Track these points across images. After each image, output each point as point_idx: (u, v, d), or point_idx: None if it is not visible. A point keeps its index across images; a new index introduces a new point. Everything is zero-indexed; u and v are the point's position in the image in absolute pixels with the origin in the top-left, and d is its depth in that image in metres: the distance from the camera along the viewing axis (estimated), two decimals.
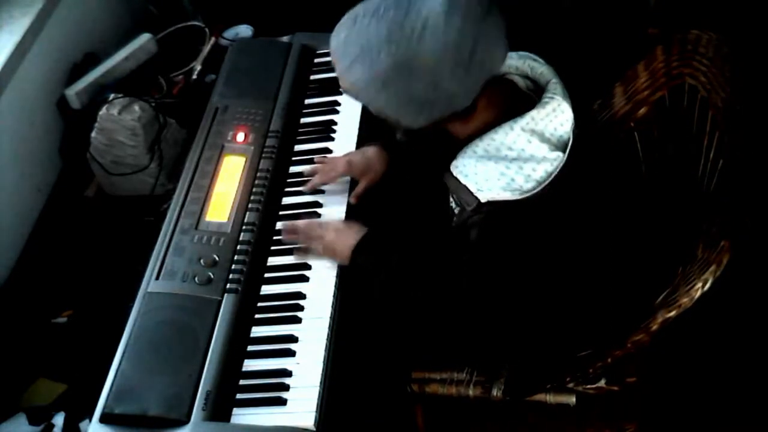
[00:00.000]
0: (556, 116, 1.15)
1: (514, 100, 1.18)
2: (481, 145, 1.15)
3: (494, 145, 1.14)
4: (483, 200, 1.14)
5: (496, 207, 1.13)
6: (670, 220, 1.34)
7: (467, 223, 1.16)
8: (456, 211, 1.24)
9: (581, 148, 1.15)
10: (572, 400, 1.35)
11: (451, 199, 1.25)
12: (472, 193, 1.15)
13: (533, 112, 1.14)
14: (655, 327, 1.09)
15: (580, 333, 1.28)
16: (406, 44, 1.04)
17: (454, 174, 1.18)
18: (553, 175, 1.11)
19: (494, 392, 1.34)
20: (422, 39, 1.03)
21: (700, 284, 1.04)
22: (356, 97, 1.18)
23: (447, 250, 1.23)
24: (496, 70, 1.11)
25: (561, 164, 1.12)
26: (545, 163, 1.12)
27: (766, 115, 1.11)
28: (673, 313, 1.07)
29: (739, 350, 1.82)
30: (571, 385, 1.34)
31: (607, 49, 2.11)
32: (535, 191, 1.11)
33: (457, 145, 1.21)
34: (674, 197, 1.34)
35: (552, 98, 1.16)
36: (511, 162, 1.13)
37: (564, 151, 1.13)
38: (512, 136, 1.14)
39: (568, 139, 1.15)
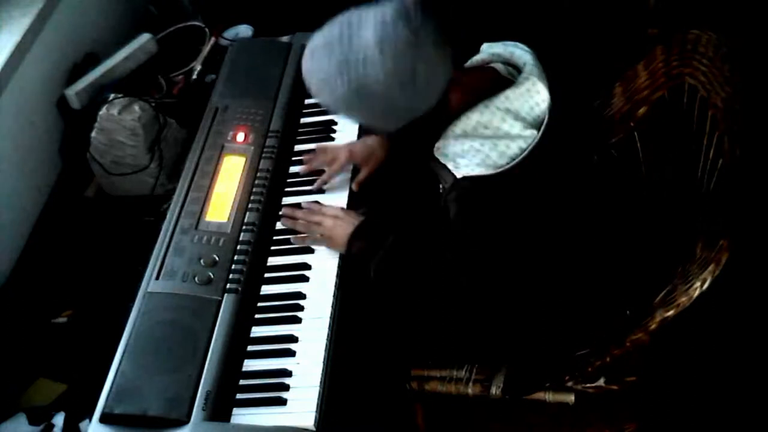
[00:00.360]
0: (531, 95, 1.19)
1: (495, 85, 1.22)
2: (459, 125, 1.20)
3: (470, 124, 1.18)
4: (458, 176, 1.17)
5: (471, 182, 1.16)
6: (669, 219, 1.34)
7: (446, 201, 1.20)
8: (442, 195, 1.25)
9: (560, 128, 1.18)
10: (571, 398, 1.35)
11: (441, 188, 1.27)
12: (449, 171, 1.19)
13: (507, 92, 1.19)
14: (653, 326, 1.09)
15: (578, 331, 1.28)
16: (354, 76, 1.11)
17: (436, 155, 1.22)
18: (526, 152, 1.15)
19: (493, 390, 1.34)
20: (365, 70, 1.10)
21: (698, 283, 1.04)
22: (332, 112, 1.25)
23: (436, 237, 1.25)
24: (445, 81, 1.16)
25: (535, 142, 1.15)
26: (519, 140, 1.15)
27: (766, 115, 1.11)
28: (671, 312, 1.07)
29: (739, 350, 1.82)
30: (570, 383, 1.34)
31: (607, 49, 2.12)
32: (508, 166, 1.14)
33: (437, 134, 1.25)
34: (674, 197, 1.34)
35: (527, 78, 1.20)
36: (486, 139, 1.17)
37: (539, 130, 1.16)
38: (487, 115, 1.18)
39: (543, 117, 1.18)
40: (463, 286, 1.19)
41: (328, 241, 1.37)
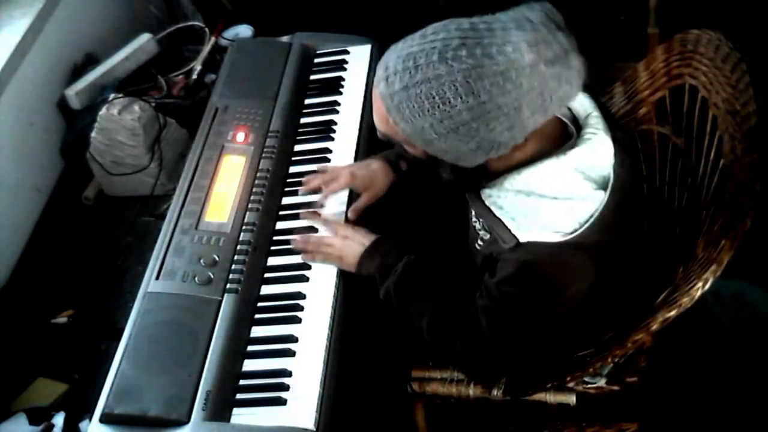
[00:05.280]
0: (599, 154, 1.09)
1: (554, 131, 1.11)
2: (520, 179, 1.08)
3: (535, 182, 1.07)
4: (523, 240, 1.07)
5: (534, 247, 1.07)
6: (670, 219, 1.33)
7: (499, 256, 1.12)
8: (480, 233, 1.20)
9: (621, 184, 1.09)
10: (572, 399, 1.35)
11: (474, 219, 1.22)
12: (509, 230, 1.08)
13: (577, 150, 1.07)
14: (655, 326, 1.09)
15: (580, 332, 1.28)
16: (487, 91, 0.95)
17: (487, 204, 1.12)
18: (596, 216, 1.06)
19: (494, 392, 1.34)
20: (507, 84, 0.94)
21: (700, 284, 1.04)
22: (409, 143, 1.08)
23: (468, 276, 1.21)
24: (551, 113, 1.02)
25: (603, 204, 1.06)
26: (587, 203, 1.06)
27: (767, 114, 1.11)
28: (673, 313, 1.07)
29: (739, 350, 1.82)
30: (571, 384, 1.34)
31: (607, 49, 2.11)
32: (576, 233, 1.05)
33: (485, 173, 1.14)
34: (674, 197, 1.34)
35: (594, 134, 1.09)
36: (552, 200, 1.07)
37: (605, 189, 1.08)
38: (555, 174, 1.07)
39: (609, 176, 1.08)
40: (481, 326, 1.17)
41: (338, 261, 1.35)
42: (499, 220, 1.10)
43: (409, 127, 1.02)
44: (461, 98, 0.96)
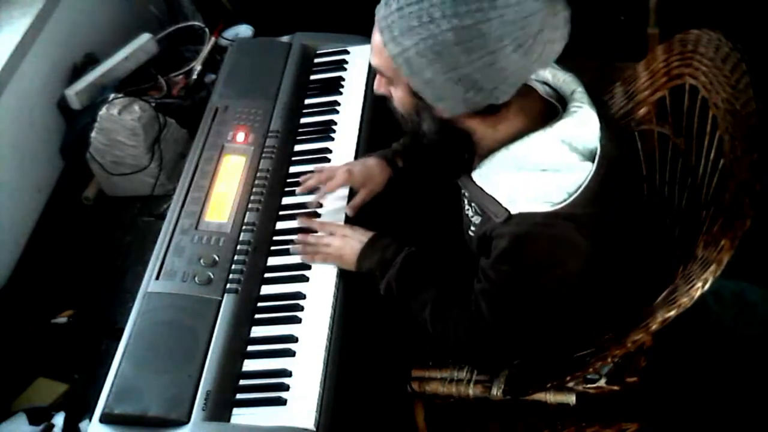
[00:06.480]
0: (585, 126, 1.12)
1: (539, 109, 1.15)
2: (508, 154, 1.12)
3: (522, 155, 1.11)
4: (514, 212, 1.10)
5: (525, 219, 1.10)
6: (670, 220, 1.34)
7: (492, 233, 1.14)
8: (473, 219, 1.22)
9: (608, 157, 1.12)
10: (572, 399, 1.35)
11: (467, 207, 1.23)
12: (500, 204, 1.11)
13: (563, 122, 1.11)
14: (654, 326, 1.09)
15: (580, 332, 1.28)
16: (472, 15, 0.98)
17: (478, 183, 1.15)
18: (583, 186, 1.09)
19: (494, 391, 1.34)
20: (491, 12, 0.98)
21: (700, 284, 1.04)
22: (394, 72, 1.09)
23: (465, 266, 1.22)
24: (550, 63, 1.07)
25: (590, 175, 1.09)
26: (575, 174, 1.09)
27: (767, 114, 1.11)
28: (673, 313, 1.07)
29: (740, 350, 1.82)
30: (571, 384, 1.34)
31: (607, 49, 2.12)
32: (565, 203, 1.08)
33: (473, 152, 1.17)
34: (674, 197, 1.34)
35: (580, 107, 1.13)
36: (541, 172, 1.10)
37: (592, 161, 1.10)
38: (542, 146, 1.10)
39: (596, 149, 1.12)
40: (482, 311, 1.17)
41: (338, 260, 1.35)
42: (491, 196, 1.13)
43: (397, 49, 1.04)
44: (446, 19, 0.99)
